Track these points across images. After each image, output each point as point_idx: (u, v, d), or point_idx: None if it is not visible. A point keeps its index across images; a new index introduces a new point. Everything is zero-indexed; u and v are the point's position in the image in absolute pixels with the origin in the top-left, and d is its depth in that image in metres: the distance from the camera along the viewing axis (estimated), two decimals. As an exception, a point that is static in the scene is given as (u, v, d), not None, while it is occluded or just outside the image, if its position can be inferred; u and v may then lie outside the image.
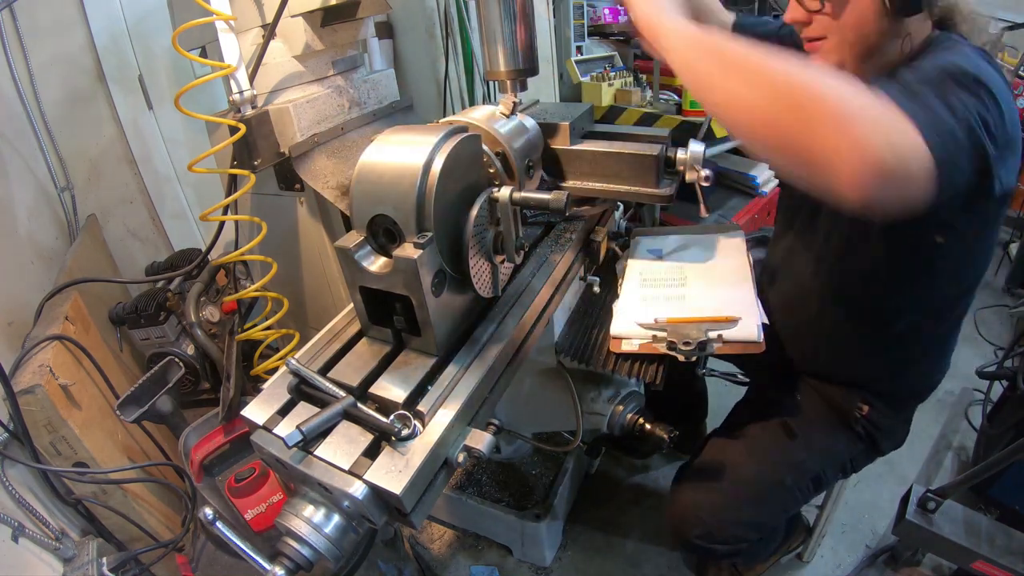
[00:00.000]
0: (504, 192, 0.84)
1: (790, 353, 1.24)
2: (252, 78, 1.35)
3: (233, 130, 1.29)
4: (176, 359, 1.57)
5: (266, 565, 0.70)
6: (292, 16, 1.35)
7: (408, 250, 0.76)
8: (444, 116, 1.49)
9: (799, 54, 0.80)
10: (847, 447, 1.21)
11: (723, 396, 1.88)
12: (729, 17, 1.33)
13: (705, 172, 1.13)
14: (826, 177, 0.64)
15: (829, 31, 0.94)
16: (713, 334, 1.06)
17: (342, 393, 0.77)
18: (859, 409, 1.18)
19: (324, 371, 0.85)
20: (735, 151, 2.72)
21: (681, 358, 1.06)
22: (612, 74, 2.73)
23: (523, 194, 0.86)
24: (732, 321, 1.07)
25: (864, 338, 1.15)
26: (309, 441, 0.72)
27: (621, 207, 1.46)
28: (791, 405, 1.24)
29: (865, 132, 0.62)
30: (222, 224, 1.44)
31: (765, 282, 1.28)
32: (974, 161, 0.73)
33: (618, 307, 1.22)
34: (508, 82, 1.12)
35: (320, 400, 0.80)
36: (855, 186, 0.63)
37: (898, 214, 0.66)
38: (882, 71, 0.95)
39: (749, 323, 1.09)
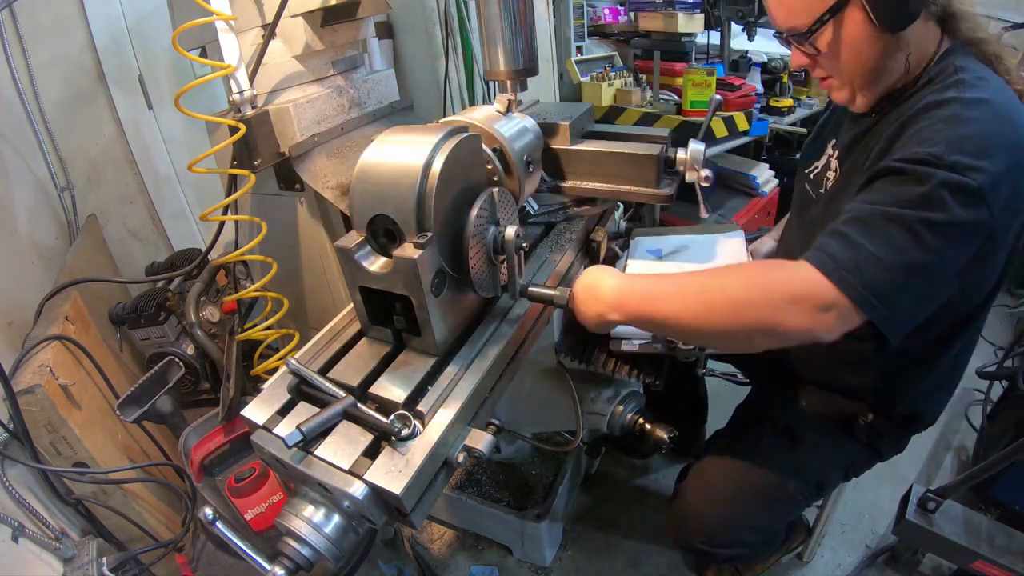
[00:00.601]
0: (510, 232, 0.85)
1: (790, 352, 1.23)
2: (252, 78, 1.35)
3: (233, 130, 1.29)
4: (176, 359, 1.57)
5: (266, 565, 0.71)
6: (292, 16, 1.35)
7: (408, 250, 0.76)
8: (444, 116, 1.49)
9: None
10: (850, 452, 1.21)
11: (723, 397, 1.87)
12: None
13: (705, 172, 1.13)
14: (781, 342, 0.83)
15: (832, 70, 0.96)
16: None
17: (342, 393, 0.77)
18: (863, 416, 1.17)
19: (324, 371, 0.85)
20: (735, 151, 2.72)
21: (681, 358, 1.06)
22: (612, 74, 2.73)
23: (532, 288, 0.93)
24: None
25: (860, 351, 1.10)
26: (309, 441, 0.72)
27: (621, 207, 1.46)
28: (794, 409, 1.23)
29: (786, 321, 0.79)
30: (222, 224, 1.44)
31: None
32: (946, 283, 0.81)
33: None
34: (508, 82, 1.12)
35: (320, 400, 0.80)
36: (803, 340, 0.81)
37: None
38: (894, 90, 0.96)
39: None
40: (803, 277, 0.79)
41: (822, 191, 1.12)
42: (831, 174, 1.10)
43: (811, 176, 1.18)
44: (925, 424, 1.21)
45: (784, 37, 0.95)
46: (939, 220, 0.76)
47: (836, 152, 1.11)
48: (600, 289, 0.92)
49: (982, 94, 0.83)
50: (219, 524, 0.71)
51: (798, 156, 1.30)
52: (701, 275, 0.91)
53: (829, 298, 0.77)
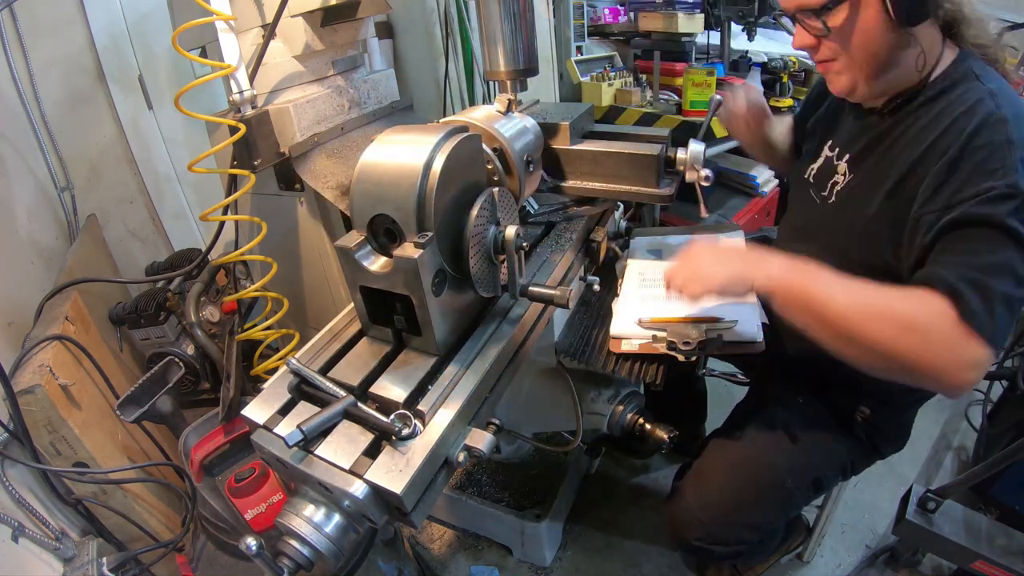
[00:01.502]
0: (510, 231, 0.85)
1: (790, 352, 1.23)
2: (252, 78, 1.35)
3: (233, 130, 1.29)
4: (176, 359, 1.57)
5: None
6: (292, 16, 1.35)
7: (408, 250, 0.76)
8: (444, 116, 1.49)
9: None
10: (848, 450, 1.21)
11: (723, 397, 1.88)
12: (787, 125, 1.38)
13: (705, 172, 1.13)
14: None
15: (837, 53, 0.95)
16: (713, 334, 1.06)
17: (342, 393, 0.77)
18: (860, 413, 1.17)
19: (324, 371, 0.85)
20: (735, 151, 2.72)
21: (681, 358, 1.06)
22: (612, 74, 2.72)
23: (532, 288, 0.91)
24: (732, 321, 1.07)
25: None
26: (310, 440, 0.72)
27: (621, 207, 1.46)
28: (792, 407, 1.23)
29: (949, 377, 0.80)
30: (222, 224, 1.44)
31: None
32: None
33: (618, 307, 1.22)
34: (508, 82, 1.12)
35: (320, 400, 0.80)
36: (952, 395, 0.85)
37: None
38: (901, 86, 0.96)
39: (749, 323, 1.09)
40: (973, 344, 0.79)
41: (825, 194, 1.11)
42: (839, 178, 1.09)
43: (811, 179, 1.17)
44: (919, 403, 1.22)
45: (792, 15, 0.94)
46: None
47: (840, 154, 1.10)
48: (764, 256, 0.92)
49: (1016, 104, 0.85)
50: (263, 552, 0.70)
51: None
52: (869, 284, 0.87)
53: (983, 362, 0.80)
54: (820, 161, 1.15)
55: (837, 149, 1.11)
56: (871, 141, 1.02)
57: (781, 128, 1.36)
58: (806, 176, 1.19)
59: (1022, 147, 0.82)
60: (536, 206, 1.31)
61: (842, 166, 1.09)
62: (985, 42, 0.94)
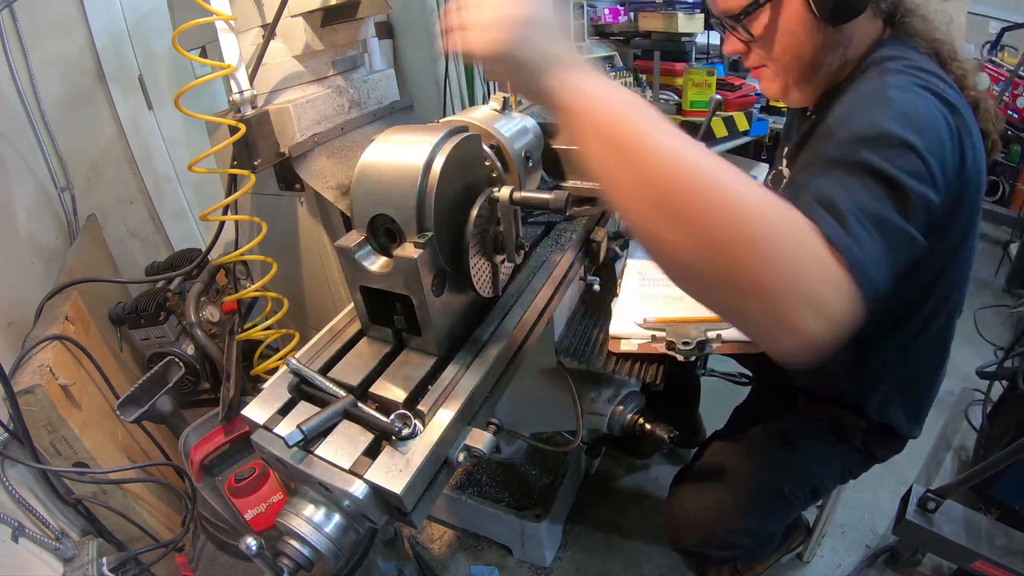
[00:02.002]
0: (504, 192, 0.84)
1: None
2: (252, 78, 1.35)
3: (233, 130, 1.29)
4: (176, 359, 1.57)
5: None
6: (292, 16, 1.35)
7: (408, 250, 0.76)
8: (444, 116, 1.49)
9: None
10: (845, 457, 1.21)
11: (723, 397, 1.87)
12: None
13: (705, 172, 1.13)
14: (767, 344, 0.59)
15: (766, 59, 0.92)
16: (712, 333, 1.06)
17: (342, 392, 0.77)
18: (859, 423, 1.17)
19: (324, 371, 0.85)
20: (735, 151, 2.73)
21: (680, 358, 1.06)
22: (612, 74, 2.73)
23: (523, 194, 0.84)
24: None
25: (847, 360, 1.09)
26: (309, 440, 0.71)
27: (621, 207, 1.45)
28: (791, 414, 1.23)
29: (798, 313, 0.53)
30: (222, 224, 1.43)
31: None
32: (908, 250, 0.68)
33: (617, 307, 1.22)
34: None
35: (320, 400, 0.80)
36: (796, 358, 0.56)
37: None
38: (828, 84, 0.92)
39: None
40: (834, 267, 0.57)
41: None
42: (784, 180, 1.10)
43: (769, 184, 1.18)
44: (903, 437, 1.19)
45: (719, 21, 0.92)
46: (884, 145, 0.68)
47: (788, 157, 1.11)
48: (578, 57, 0.63)
49: (904, 76, 0.78)
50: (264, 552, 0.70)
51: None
52: (711, 163, 0.57)
53: (843, 302, 0.57)
54: (780, 166, 1.16)
55: (785, 150, 1.12)
56: (801, 139, 1.01)
57: None
58: (768, 179, 1.20)
59: (900, 104, 0.73)
60: None
61: (785, 169, 1.10)
62: (939, 37, 0.87)
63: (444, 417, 0.76)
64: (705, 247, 0.54)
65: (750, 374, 1.52)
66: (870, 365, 1.07)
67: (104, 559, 1.23)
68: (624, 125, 0.57)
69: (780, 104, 2.80)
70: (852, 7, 0.81)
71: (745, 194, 0.55)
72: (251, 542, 0.67)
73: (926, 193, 0.69)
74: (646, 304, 1.20)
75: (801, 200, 0.65)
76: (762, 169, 2.83)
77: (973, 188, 0.80)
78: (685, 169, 0.55)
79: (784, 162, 1.13)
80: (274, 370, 1.49)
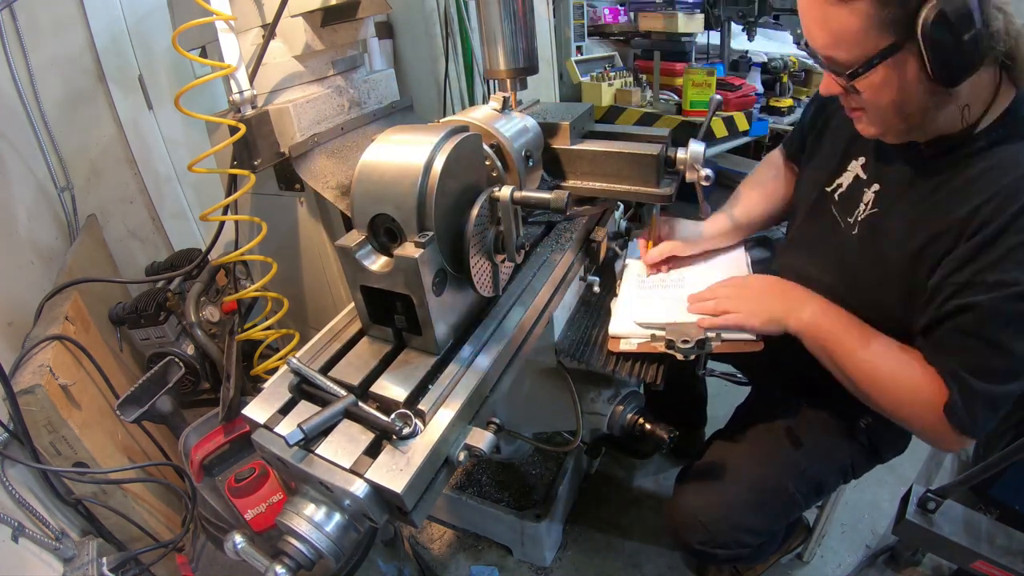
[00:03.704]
0: (505, 191, 0.84)
1: (789, 355, 1.22)
2: (252, 78, 1.35)
3: (233, 130, 1.29)
4: (176, 359, 1.57)
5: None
6: (292, 16, 1.35)
7: (409, 249, 0.76)
8: (444, 116, 1.49)
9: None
10: (849, 454, 1.21)
11: (723, 397, 1.88)
12: (776, 156, 1.37)
13: (705, 172, 1.13)
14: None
15: (867, 105, 0.87)
16: (712, 333, 1.06)
17: (343, 392, 0.77)
18: (864, 420, 1.17)
19: (325, 370, 0.85)
20: (735, 151, 2.73)
21: (680, 357, 1.06)
22: (612, 74, 2.73)
23: (524, 193, 0.85)
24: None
25: None
26: (310, 440, 0.72)
27: (621, 207, 1.46)
28: (794, 411, 1.23)
29: (934, 443, 1.02)
30: (222, 224, 1.43)
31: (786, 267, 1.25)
32: None
33: (617, 307, 1.22)
34: (508, 81, 1.12)
35: (321, 399, 0.80)
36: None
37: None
38: (941, 136, 0.88)
39: None
40: (951, 433, 0.92)
41: (851, 220, 1.05)
42: (863, 207, 1.02)
43: (836, 196, 1.09)
44: (908, 434, 1.19)
45: (819, 59, 0.85)
46: None
47: (870, 181, 1.02)
48: (803, 299, 1.04)
49: None
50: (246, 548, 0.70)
51: (802, 156, 1.24)
52: (887, 346, 0.97)
53: (957, 445, 0.97)
54: (848, 179, 1.07)
55: (869, 173, 1.03)
56: (908, 181, 0.94)
57: (713, 228, 1.32)
58: (829, 190, 1.10)
59: None
60: None
61: (869, 195, 1.01)
62: None
63: (444, 416, 0.76)
64: (880, 408, 1.01)
65: (747, 380, 1.52)
66: None
67: (104, 559, 1.23)
68: (832, 341, 1.00)
69: (780, 104, 2.80)
70: (967, 67, 0.76)
71: (896, 382, 0.96)
72: (237, 540, 0.67)
73: None
74: (645, 304, 1.20)
75: (944, 368, 0.90)
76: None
77: None
78: (864, 370, 0.98)
79: (865, 175, 1.03)
80: (274, 370, 1.49)
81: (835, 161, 1.11)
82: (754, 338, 1.08)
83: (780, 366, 1.23)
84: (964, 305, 0.84)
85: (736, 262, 1.30)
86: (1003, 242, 0.80)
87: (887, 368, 0.95)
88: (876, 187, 1.01)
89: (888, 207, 0.98)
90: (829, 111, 1.15)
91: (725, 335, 1.08)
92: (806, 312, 1.01)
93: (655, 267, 1.31)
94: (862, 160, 1.05)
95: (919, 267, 0.91)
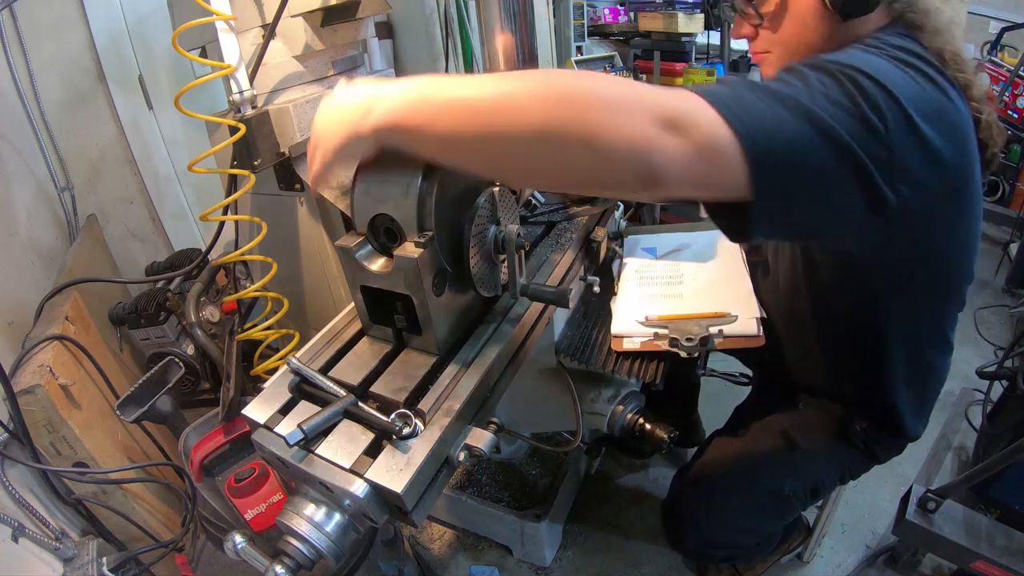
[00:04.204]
0: (511, 230, 0.85)
1: (786, 362, 1.22)
2: (252, 78, 1.34)
3: (233, 130, 1.29)
4: (176, 359, 1.57)
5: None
6: (292, 16, 1.35)
7: (409, 249, 0.76)
8: (444, 116, 1.48)
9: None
10: (846, 457, 1.20)
11: (723, 397, 1.88)
12: None
13: (705, 172, 1.13)
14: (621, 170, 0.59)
15: (773, 44, 0.92)
16: (714, 329, 1.06)
17: (343, 392, 0.77)
18: (859, 423, 1.17)
19: (325, 370, 0.85)
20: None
21: (684, 354, 1.06)
22: (612, 74, 2.73)
23: (532, 287, 0.89)
24: (732, 316, 1.08)
25: (852, 360, 1.10)
26: (310, 440, 0.72)
27: (621, 207, 1.46)
28: (792, 413, 1.23)
29: (634, 119, 0.56)
30: (222, 224, 1.43)
31: (760, 276, 1.27)
32: (829, 153, 0.63)
33: (617, 306, 1.22)
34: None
35: (321, 399, 0.80)
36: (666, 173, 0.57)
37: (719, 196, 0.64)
38: None
39: (748, 318, 1.10)
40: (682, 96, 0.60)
41: None
42: None
43: None
44: (909, 438, 1.18)
45: (732, 3, 0.93)
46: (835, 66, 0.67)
47: None
48: (376, 92, 0.67)
49: (883, 54, 0.74)
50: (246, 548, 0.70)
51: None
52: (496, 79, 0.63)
53: (711, 124, 0.58)
54: None
55: None
56: None
57: None
58: None
59: (863, 61, 0.69)
60: (542, 199, 1.31)
61: None
62: (945, 39, 0.83)
63: (445, 416, 0.76)
64: (545, 141, 0.59)
65: (750, 373, 1.52)
66: (874, 358, 1.06)
67: (104, 559, 1.23)
68: (436, 98, 0.63)
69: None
70: (865, 3, 0.81)
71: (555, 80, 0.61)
72: (237, 540, 0.67)
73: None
74: (645, 303, 1.20)
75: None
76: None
77: (964, 162, 0.76)
78: (499, 92, 0.61)
79: None
80: (274, 370, 1.49)
81: None
82: (756, 334, 1.08)
83: (779, 368, 1.23)
84: None
85: (733, 259, 1.30)
86: None
87: (534, 77, 0.62)
88: None
89: None
90: None
91: (727, 331, 1.08)
92: (386, 97, 0.66)
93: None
94: None
95: None
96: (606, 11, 3.22)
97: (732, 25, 0.99)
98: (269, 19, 1.33)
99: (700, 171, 0.58)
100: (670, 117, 0.56)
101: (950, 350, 1.07)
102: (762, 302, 1.16)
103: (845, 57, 0.70)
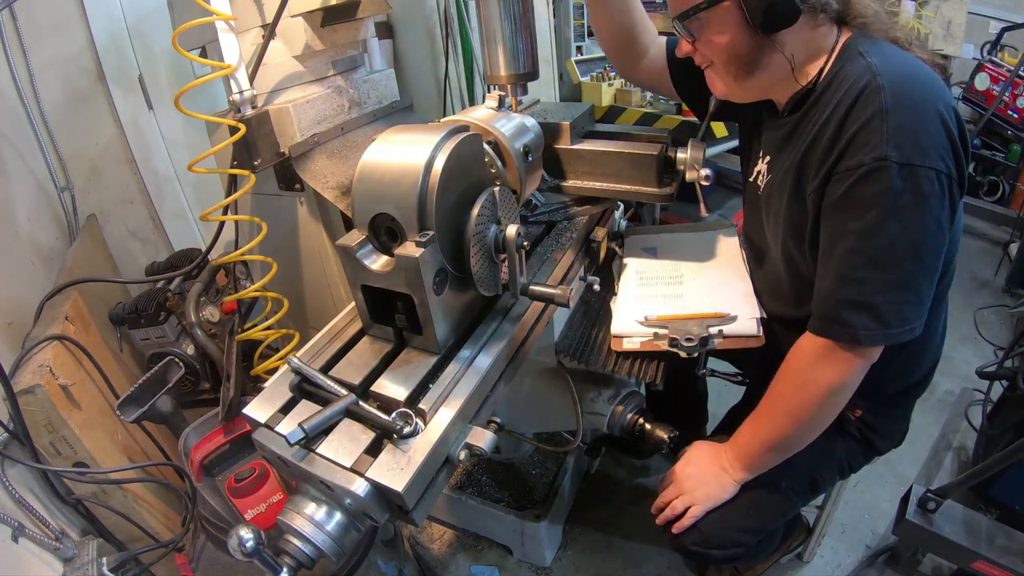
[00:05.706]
0: (511, 230, 0.85)
1: (779, 357, 1.22)
2: (252, 78, 1.35)
3: (233, 130, 1.29)
4: (176, 359, 1.57)
5: None
6: (292, 16, 1.35)
7: (410, 248, 0.76)
8: (444, 116, 1.49)
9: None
10: (843, 449, 1.21)
11: (723, 397, 1.88)
12: (659, 39, 1.41)
13: (705, 172, 1.14)
14: None
15: (711, 57, 0.98)
16: (714, 329, 1.06)
17: (344, 391, 0.77)
18: (851, 412, 1.17)
19: (326, 370, 0.85)
20: (735, 151, 2.72)
21: (683, 354, 1.06)
22: (612, 74, 2.73)
23: (533, 287, 0.91)
24: (732, 316, 1.08)
25: None
26: (311, 439, 0.72)
27: (621, 207, 1.46)
28: None
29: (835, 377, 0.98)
30: (222, 224, 1.43)
31: (753, 264, 1.27)
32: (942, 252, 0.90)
33: (617, 306, 1.22)
34: (509, 86, 1.13)
35: (322, 398, 0.80)
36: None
37: None
38: (803, 89, 0.97)
39: (747, 318, 1.10)
40: (835, 370, 0.96)
41: (760, 193, 1.14)
42: (761, 178, 1.12)
43: (756, 183, 1.18)
44: (911, 397, 1.21)
45: (673, 24, 0.99)
46: (914, 207, 0.83)
47: (764, 155, 1.12)
48: (719, 468, 1.13)
49: (896, 68, 0.86)
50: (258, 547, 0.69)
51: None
52: (767, 402, 1.07)
53: (856, 364, 0.95)
54: (758, 164, 1.17)
55: (760, 151, 1.14)
56: (780, 142, 1.05)
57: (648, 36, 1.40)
58: (751, 180, 1.20)
59: (897, 113, 0.82)
60: (542, 199, 1.31)
61: (762, 166, 1.12)
62: (881, 20, 0.94)
63: (445, 415, 0.77)
64: (823, 419, 1.04)
65: (746, 377, 1.52)
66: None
67: (104, 559, 1.23)
68: (760, 451, 1.10)
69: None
70: (780, 17, 0.87)
71: (791, 401, 1.04)
72: (245, 536, 0.66)
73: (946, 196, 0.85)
74: (645, 303, 1.20)
75: (834, 317, 0.93)
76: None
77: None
78: (783, 427, 1.07)
79: (761, 162, 1.12)
80: (274, 370, 1.49)
81: (750, 151, 1.19)
82: (756, 334, 1.08)
83: (772, 364, 1.23)
84: (827, 206, 0.91)
85: (732, 259, 1.30)
86: (842, 137, 0.87)
87: (782, 404, 1.05)
88: (768, 158, 1.10)
89: (774, 170, 1.08)
90: (741, 109, 1.20)
91: (727, 331, 1.08)
92: (729, 465, 1.13)
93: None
94: (760, 149, 1.14)
95: (802, 211, 0.97)
96: (606, 11, 3.21)
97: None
98: (269, 19, 1.33)
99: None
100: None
101: (940, 324, 1.13)
102: (755, 280, 1.19)
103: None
